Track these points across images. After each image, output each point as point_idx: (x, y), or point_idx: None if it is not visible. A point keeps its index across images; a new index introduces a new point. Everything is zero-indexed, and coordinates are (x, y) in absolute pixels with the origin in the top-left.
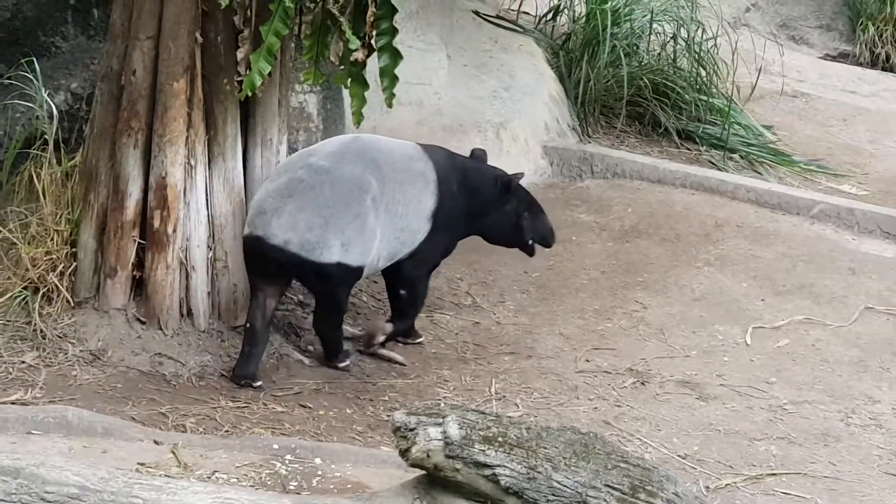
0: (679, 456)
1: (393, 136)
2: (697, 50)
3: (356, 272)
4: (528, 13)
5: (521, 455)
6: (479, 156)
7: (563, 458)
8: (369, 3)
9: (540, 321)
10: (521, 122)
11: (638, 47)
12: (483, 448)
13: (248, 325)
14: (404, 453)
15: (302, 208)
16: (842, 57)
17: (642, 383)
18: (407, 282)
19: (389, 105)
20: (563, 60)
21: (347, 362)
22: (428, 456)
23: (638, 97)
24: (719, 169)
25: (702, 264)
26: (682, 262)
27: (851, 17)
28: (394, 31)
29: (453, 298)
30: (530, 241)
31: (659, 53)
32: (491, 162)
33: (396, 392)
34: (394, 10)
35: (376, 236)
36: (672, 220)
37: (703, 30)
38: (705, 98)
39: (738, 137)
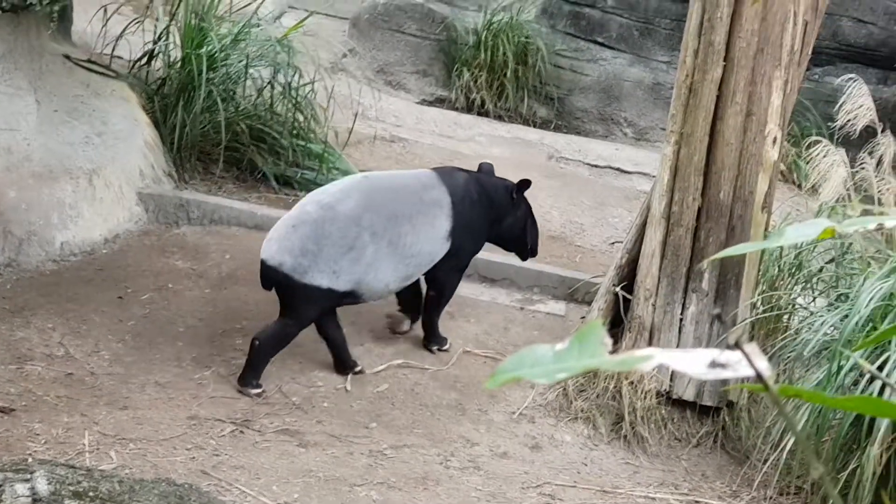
0: None
1: None
2: (295, 95)
3: (344, 296)
4: (121, 58)
5: None
6: (486, 169)
7: None
8: None
9: (136, 370)
10: (114, 168)
11: (235, 92)
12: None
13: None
14: None
15: (301, 237)
16: (438, 102)
17: (241, 431)
18: (437, 284)
19: None
20: (158, 106)
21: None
22: None
23: (236, 142)
24: None
25: None
26: None
27: (447, 63)
28: None
29: (45, 349)
30: (530, 246)
31: (256, 99)
32: (83, 210)
33: None
34: None
35: (375, 268)
36: None
37: (301, 75)
38: (303, 143)
39: None
